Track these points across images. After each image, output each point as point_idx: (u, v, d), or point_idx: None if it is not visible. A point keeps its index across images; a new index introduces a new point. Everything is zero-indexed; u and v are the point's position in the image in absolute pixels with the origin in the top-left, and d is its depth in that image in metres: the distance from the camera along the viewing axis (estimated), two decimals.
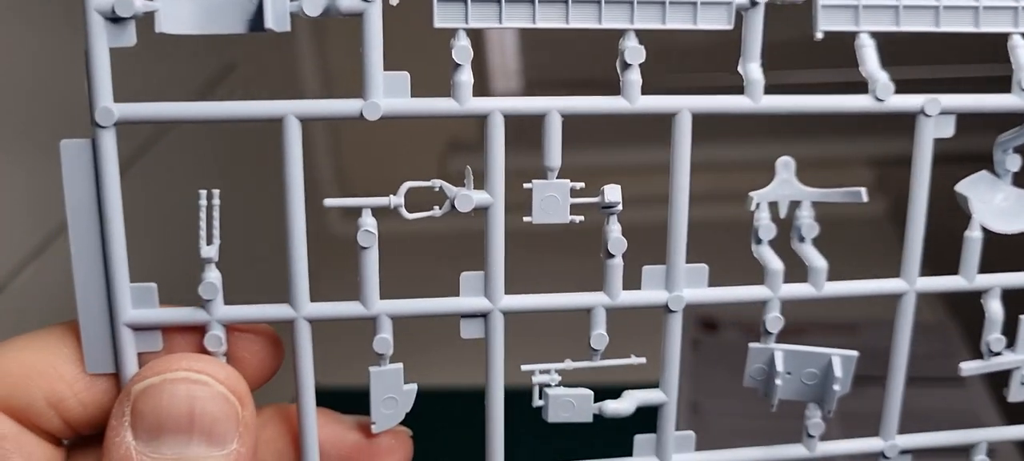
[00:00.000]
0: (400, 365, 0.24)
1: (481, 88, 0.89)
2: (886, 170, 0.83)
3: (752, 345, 0.25)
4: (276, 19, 0.22)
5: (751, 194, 0.25)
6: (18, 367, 0.22)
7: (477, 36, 0.82)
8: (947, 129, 0.25)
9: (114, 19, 0.21)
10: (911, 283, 0.25)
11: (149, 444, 0.22)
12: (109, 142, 0.22)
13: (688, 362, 0.66)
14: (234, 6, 0.22)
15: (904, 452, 0.27)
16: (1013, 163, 0.26)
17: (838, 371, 0.25)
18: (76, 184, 0.22)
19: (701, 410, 0.60)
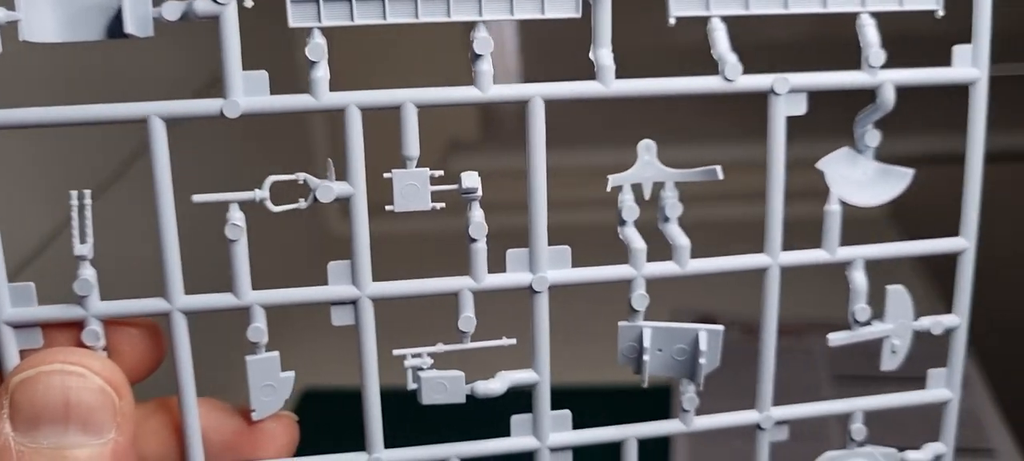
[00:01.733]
0: (276, 353, 0.25)
1: None
2: None
3: (621, 323, 0.26)
4: (136, 24, 0.23)
5: (610, 177, 0.26)
6: None
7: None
8: (799, 107, 0.26)
9: None
10: (774, 257, 0.26)
11: (27, 434, 0.23)
12: None
13: None
14: (95, 13, 0.23)
15: (780, 423, 0.28)
16: (872, 138, 0.26)
17: (703, 345, 0.26)
18: None
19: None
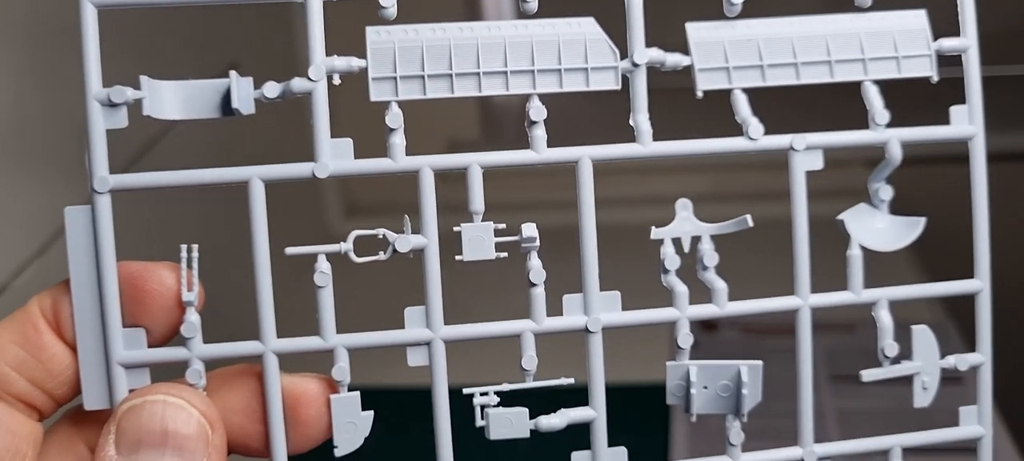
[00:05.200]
0: (358, 394, 0.28)
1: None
2: None
3: (669, 363, 0.29)
4: (241, 102, 0.27)
5: (653, 230, 0.29)
6: None
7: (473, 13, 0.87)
8: (816, 162, 0.29)
9: None
10: (805, 299, 0.29)
11: (128, 458, 0.25)
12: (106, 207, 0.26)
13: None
14: (208, 93, 0.27)
15: (822, 459, 0.29)
16: (885, 193, 0.30)
17: (746, 378, 0.28)
18: (78, 245, 0.26)
19: None
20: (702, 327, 0.76)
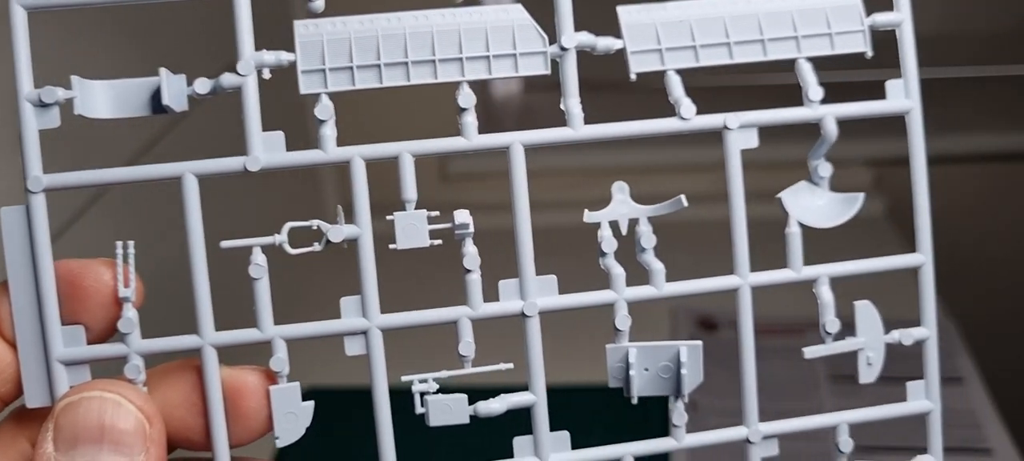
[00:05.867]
0: (297, 384, 0.28)
1: (482, 91, 0.95)
2: (884, 170, 0.86)
3: (608, 346, 0.29)
4: (173, 99, 0.27)
5: (587, 213, 0.29)
6: None
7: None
8: (751, 141, 0.29)
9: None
10: (744, 279, 0.29)
11: (66, 454, 0.25)
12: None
13: None
14: (138, 91, 0.27)
15: (768, 437, 0.29)
16: (825, 170, 0.30)
17: (685, 359, 0.28)
18: (15, 244, 0.27)
19: (700, 408, 0.61)
20: (701, 327, 0.76)
